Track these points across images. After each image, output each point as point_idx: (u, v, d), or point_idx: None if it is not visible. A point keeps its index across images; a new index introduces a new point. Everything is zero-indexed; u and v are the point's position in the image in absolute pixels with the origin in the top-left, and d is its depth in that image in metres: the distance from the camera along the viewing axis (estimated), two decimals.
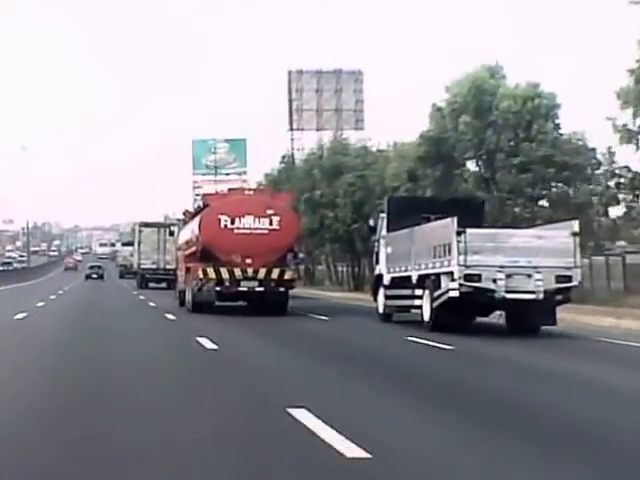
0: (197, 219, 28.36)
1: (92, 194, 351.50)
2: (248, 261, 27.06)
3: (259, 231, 27.18)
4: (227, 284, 26.91)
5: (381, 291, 24.44)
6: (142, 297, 40.03)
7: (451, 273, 19.39)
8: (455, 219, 19.25)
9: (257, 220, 27.22)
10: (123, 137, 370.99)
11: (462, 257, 19.05)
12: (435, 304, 20.19)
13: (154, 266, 52.80)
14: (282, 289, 27.19)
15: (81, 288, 57.78)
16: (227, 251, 27.01)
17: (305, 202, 50.51)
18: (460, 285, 19.09)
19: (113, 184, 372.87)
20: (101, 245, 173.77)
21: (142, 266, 53.68)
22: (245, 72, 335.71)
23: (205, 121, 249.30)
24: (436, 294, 20.11)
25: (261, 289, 26.94)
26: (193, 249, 28.46)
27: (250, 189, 29.89)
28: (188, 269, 28.99)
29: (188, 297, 28.56)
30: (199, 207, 30.14)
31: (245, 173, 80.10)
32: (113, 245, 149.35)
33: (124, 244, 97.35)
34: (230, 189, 30.04)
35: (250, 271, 26.89)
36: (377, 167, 47.39)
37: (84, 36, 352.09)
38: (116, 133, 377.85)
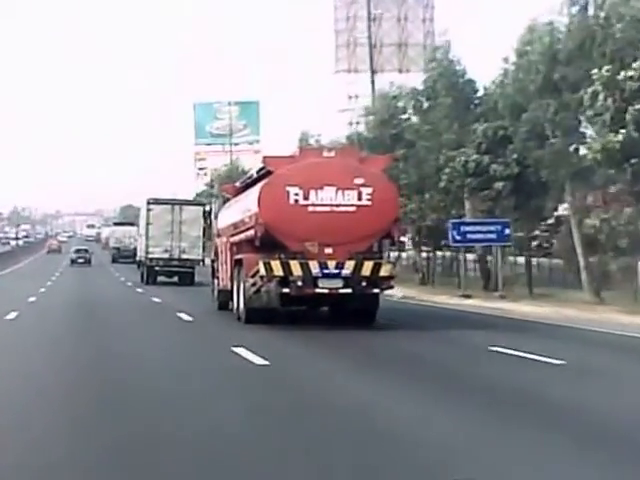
0: (254, 192, 20.36)
1: (75, 176, 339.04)
2: (328, 251, 19.25)
3: (344, 209, 19.37)
4: (299, 283, 19.00)
5: None
6: (158, 299, 30.01)
7: None
8: None
9: (341, 193, 19.39)
10: (110, 103, 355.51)
11: None
12: None
13: (166, 255, 41.63)
14: (376, 290, 19.28)
15: (70, 280, 50.15)
16: (299, 237, 19.21)
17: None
18: None
19: (98, 164, 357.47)
20: (88, 227, 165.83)
21: (150, 255, 41.89)
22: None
23: (208, 82, 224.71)
24: None
25: (348, 290, 19.07)
26: (246, 235, 20.47)
27: (330, 149, 21.58)
28: (237, 262, 21.07)
29: (237, 301, 20.80)
30: (253, 176, 21.98)
31: (258, 142, 69.95)
32: (99, 228, 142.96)
33: (116, 224, 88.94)
34: (302, 149, 21.12)
35: (332, 265, 19.03)
36: None
37: None
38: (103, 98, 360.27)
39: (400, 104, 42.33)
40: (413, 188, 39.85)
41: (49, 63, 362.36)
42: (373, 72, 57.79)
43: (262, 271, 19.02)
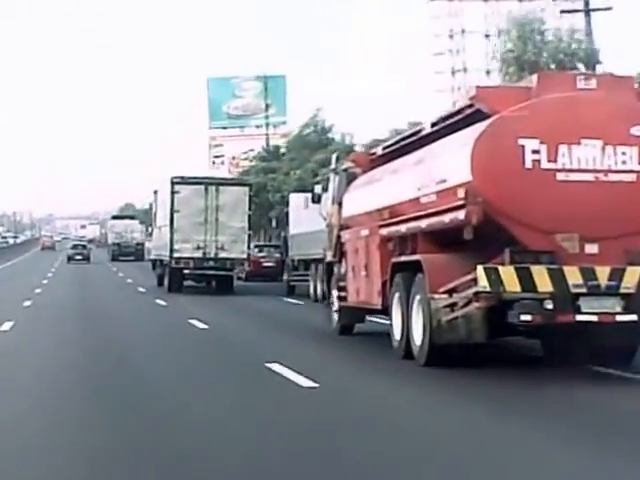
0: (454, 150, 12.08)
1: (69, 179, 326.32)
2: (592, 250, 11.48)
3: (617, 177, 11.49)
4: (548, 306, 11.10)
5: None
6: (201, 324, 19.10)
7: None
8: None
9: (611, 151, 11.38)
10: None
11: None
12: None
13: (198, 254, 31.52)
14: None
15: (68, 280, 42.57)
16: (543, 225, 11.43)
17: None
18: None
19: (94, 165, 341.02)
20: (82, 227, 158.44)
21: (177, 254, 31.70)
22: None
23: (224, 56, 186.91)
24: None
25: (631, 317, 11.13)
26: (432, 223, 12.30)
27: (588, 75, 13.09)
28: (403, 267, 13.15)
29: (402, 331, 13.13)
30: (448, 116, 13.29)
31: (284, 123, 60.77)
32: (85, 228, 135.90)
33: (115, 217, 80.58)
34: (542, 75, 12.36)
35: (603, 274, 11.13)
36: None
37: None
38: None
39: None
40: None
41: (42, 62, 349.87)
42: None
43: (483, 283, 11.00)
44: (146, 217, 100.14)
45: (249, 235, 32.07)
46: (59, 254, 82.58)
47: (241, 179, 38.41)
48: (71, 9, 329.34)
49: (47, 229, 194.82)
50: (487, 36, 56.98)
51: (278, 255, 37.99)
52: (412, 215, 13.00)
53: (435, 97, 63.10)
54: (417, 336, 12.50)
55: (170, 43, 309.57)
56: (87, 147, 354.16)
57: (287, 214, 34.17)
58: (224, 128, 61.21)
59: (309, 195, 37.77)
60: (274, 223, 41.72)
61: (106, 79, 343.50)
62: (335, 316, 16.91)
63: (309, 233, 29.59)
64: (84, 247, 72.31)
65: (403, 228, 13.34)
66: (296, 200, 33.52)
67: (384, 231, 14.09)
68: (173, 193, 31.79)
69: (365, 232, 15.07)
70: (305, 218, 31.17)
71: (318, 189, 21.24)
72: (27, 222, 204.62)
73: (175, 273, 32.52)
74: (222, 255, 31.61)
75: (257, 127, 60.11)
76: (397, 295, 13.38)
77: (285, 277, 33.61)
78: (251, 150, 56.42)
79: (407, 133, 15.03)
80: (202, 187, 31.91)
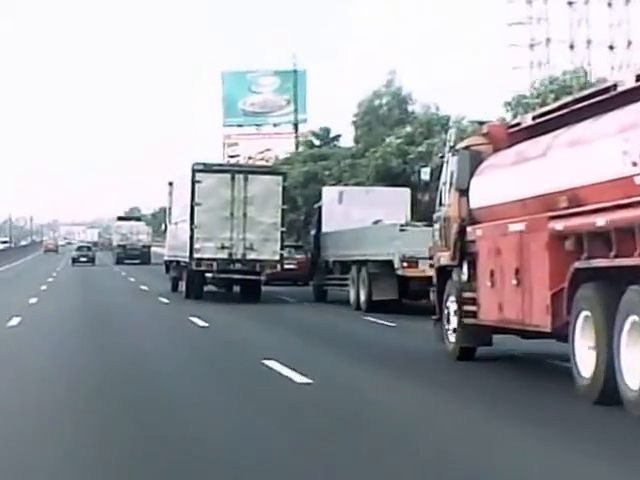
0: None
1: (73, 186, 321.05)
2: None
3: None
4: None
5: None
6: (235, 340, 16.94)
7: None
8: None
9: None
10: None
11: None
12: None
13: (223, 255, 26.99)
14: None
15: (72, 281, 40.41)
16: None
17: None
18: None
19: (98, 170, 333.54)
20: (84, 231, 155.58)
21: (198, 254, 27.11)
22: None
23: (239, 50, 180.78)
24: None
25: None
26: None
27: None
28: (588, 276, 9.32)
29: (605, 367, 9.02)
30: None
31: (305, 121, 56.84)
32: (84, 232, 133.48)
33: (121, 218, 76.88)
34: None
35: None
36: None
37: None
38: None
39: None
40: None
41: (46, 66, 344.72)
42: None
43: None
44: (153, 221, 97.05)
45: (282, 233, 27.50)
46: (62, 257, 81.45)
47: (274, 167, 32.24)
48: (75, 10, 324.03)
49: (51, 235, 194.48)
50: (570, 3, 52.79)
51: (301, 256, 33.92)
52: (618, 202, 9.22)
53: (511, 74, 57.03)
54: (633, 378, 8.72)
55: (175, 39, 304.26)
56: (92, 153, 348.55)
57: (319, 210, 29.94)
58: (239, 126, 57.17)
59: (343, 188, 34.23)
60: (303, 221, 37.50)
61: (109, 85, 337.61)
62: (451, 336, 13.02)
63: (349, 231, 26.04)
64: (89, 249, 70.51)
65: (600, 221, 9.53)
66: (330, 194, 29.65)
67: (558, 225, 10.15)
68: (194, 183, 27.12)
69: (518, 227, 11.17)
70: (339, 214, 27.89)
71: (425, 173, 17.38)
72: (30, 228, 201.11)
73: (195, 277, 28.01)
74: (251, 256, 27.02)
75: (275, 126, 56.37)
76: (585, 315, 9.51)
77: (315, 281, 29.62)
78: (267, 150, 52.64)
79: (581, 95, 11.20)
80: (228, 176, 27.30)
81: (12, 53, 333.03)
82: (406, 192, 29.19)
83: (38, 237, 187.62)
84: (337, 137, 46.94)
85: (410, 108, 42.13)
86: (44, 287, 34.78)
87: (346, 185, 35.85)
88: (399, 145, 36.88)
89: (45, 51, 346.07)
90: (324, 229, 28.95)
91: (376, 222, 26.03)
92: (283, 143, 49.32)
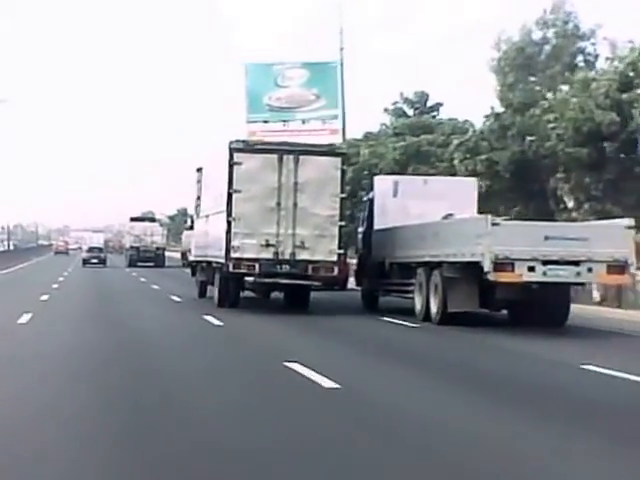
0: None
1: (85, 192, 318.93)
2: None
3: None
4: None
5: None
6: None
7: None
8: None
9: None
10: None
11: None
12: None
13: (268, 254, 22.34)
14: None
15: (85, 283, 38.94)
16: None
17: None
18: None
19: (110, 175, 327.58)
20: (95, 232, 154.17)
21: (234, 254, 22.39)
22: None
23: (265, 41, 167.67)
24: None
25: None
26: None
27: None
28: None
29: None
30: None
31: (336, 118, 53.08)
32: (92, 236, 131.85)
33: (134, 219, 73.57)
34: None
35: None
36: None
37: None
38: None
39: None
40: None
41: (56, 72, 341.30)
42: None
43: None
44: (171, 224, 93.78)
45: (341, 228, 22.83)
46: (73, 258, 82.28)
47: (330, 147, 25.83)
48: (83, 13, 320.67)
49: (61, 238, 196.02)
50: None
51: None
52: None
53: None
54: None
55: (186, 33, 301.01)
56: (104, 156, 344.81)
57: (370, 203, 25.91)
58: (265, 122, 53.43)
59: (399, 178, 29.58)
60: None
61: (123, 91, 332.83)
62: None
63: (417, 227, 22.07)
64: (100, 250, 69.37)
65: None
66: (383, 185, 25.48)
67: None
68: (232, 165, 22.58)
69: None
70: (394, 208, 24.15)
71: None
72: (42, 233, 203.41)
73: (231, 281, 23.43)
74: (302, 256, 22.49)
75: (303, 122, 52.58)
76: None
77: (365, 286, 25.65)
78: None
79: None
80: (275, 156, 22.71)
81: (24, 54, 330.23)
82: (473, 182, 25.73)
83: (47, 241, 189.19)
84: (437, 106, 39.54)
85: (589, 47, 31.89)
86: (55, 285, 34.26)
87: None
88: (610, 89, 26.46)
89: (58, 53, 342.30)
90: (376, 225, 25.27)
91: (446, 217, 22.29)
92: (313, 141, 45.68)
